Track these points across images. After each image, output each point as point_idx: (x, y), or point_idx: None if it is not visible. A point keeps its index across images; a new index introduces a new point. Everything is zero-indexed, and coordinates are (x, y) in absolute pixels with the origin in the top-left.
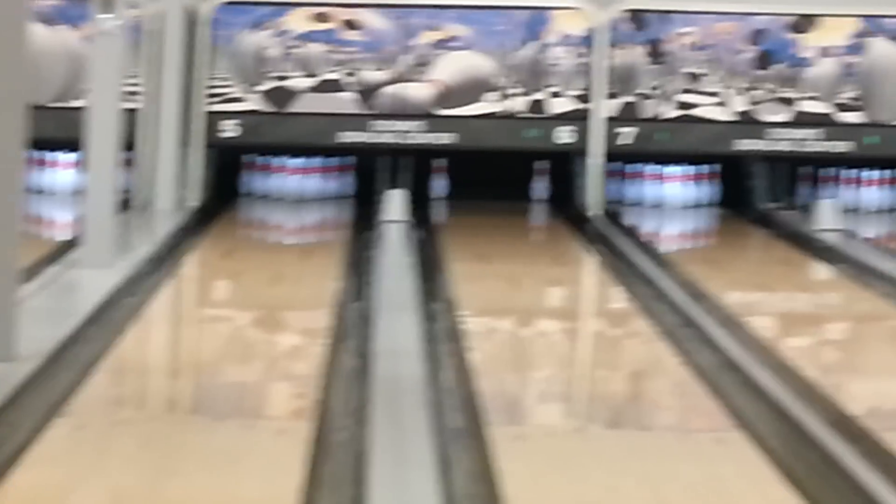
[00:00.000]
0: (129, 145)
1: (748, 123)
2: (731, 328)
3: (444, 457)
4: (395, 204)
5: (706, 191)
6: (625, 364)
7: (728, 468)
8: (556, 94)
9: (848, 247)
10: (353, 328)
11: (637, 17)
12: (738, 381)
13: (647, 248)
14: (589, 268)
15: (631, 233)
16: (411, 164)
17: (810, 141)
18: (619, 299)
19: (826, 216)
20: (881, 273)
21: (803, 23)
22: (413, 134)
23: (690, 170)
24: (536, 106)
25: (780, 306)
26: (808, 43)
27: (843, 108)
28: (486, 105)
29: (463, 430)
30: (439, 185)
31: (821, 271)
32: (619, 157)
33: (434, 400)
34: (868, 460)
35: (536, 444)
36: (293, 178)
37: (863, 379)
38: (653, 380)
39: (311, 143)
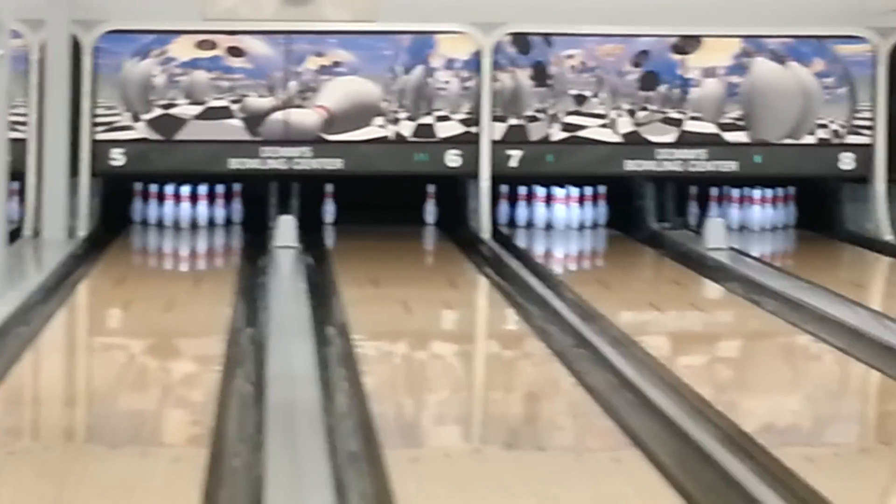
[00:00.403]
0: (18, 175)
1: (635, 144)
2: (623, 348)
3: (340, 481)
4: (284, 230)
5: (595, 212)
6: (519, 385)
7: (625, 487)
8: (443, 118)
9: (736, 265)
10: (246, 354)
11: (521, 40)
12: (633, 400)
13: (539, 269)
14: (481, 290)
15: (522, 255)
16: (299, 190)
17: (697, 161)
18: (511, 321)
19: (714, 235)
20: (770, 290)
21: (686, 44)
22: (300, 160)
23: (578, 191)
24: (424, 130)
25: (672, 325)
26: (692, 63)
27: (728, 127)
28: (374, 130)
29: (358, 454)
30: (329, 211)
31: (711, 290)
32: (508, 180)
33: (329, 424)
34: (763, 477)
35: (432, 467)
36: (182, 205)
37: (756, 396)
38: (548, 400)
39: (200, 171)
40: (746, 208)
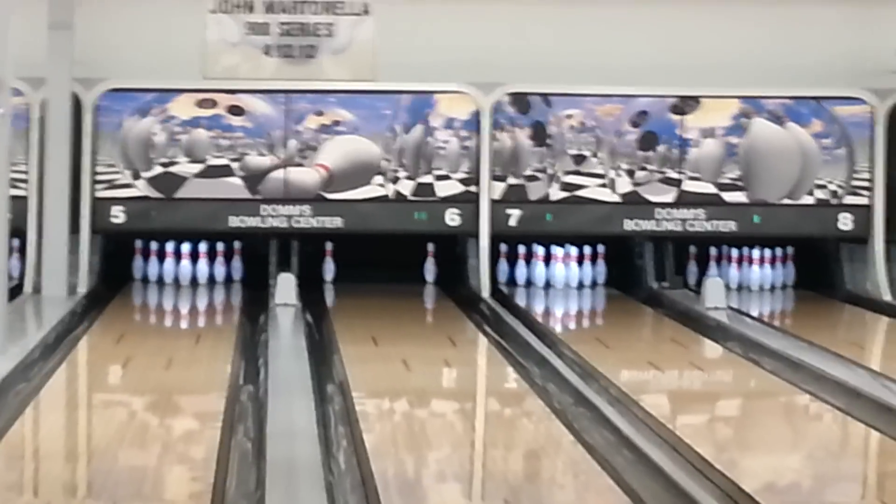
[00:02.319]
0: (19, 232)
1: (634, 204)
2: (623, 406)
3: None
4: (284, 287)
5: (594, 271)
6: (519, 443)
7: None
8: (442, 177)
9: (735, 324)
10: (246, 411)
11: (521, 100)
12: (632, 458)
13: (538, 328)
14: (481, 348)
15: (521, 313)
16: (299, 248)
17: (696, 220)
18: (511, 379)
19: (713, 294)
20: (769, 350)
21: (685, 104)
22: (300, 218)
23: (577, 250)
24: (424, 189)
25: (672, 384)
26: (691, 124)
27: (727, 187)
28: (374, 189)
29: None
30: (328, 269)
31: (710, 349)
32: (508, 239)
33: (329, 482)
34: None
35: None
36: (182, 262)
37: (756, 455)
38: (548, 458)
39: (200, 228)
40: (745, 268)
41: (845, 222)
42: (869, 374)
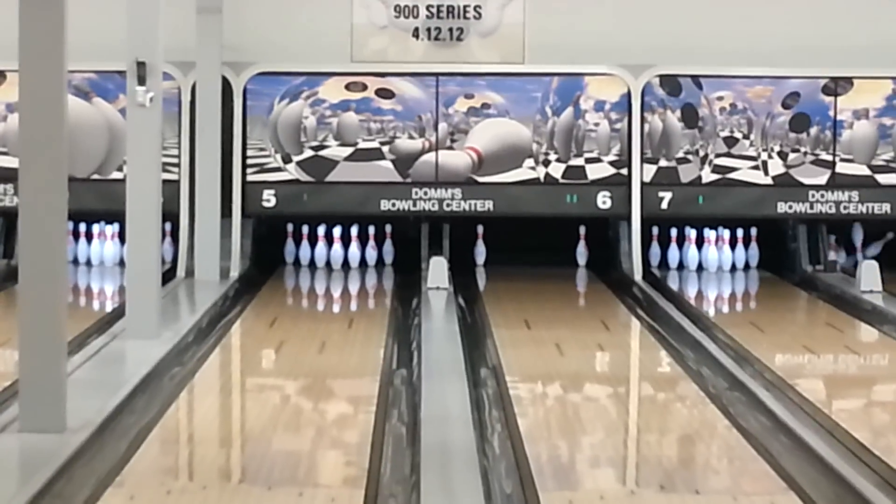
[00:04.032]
0: (171, 216)
1: (786, 186)
2: (778, 391)
3: None
4: (436, 271)
5: (747, 254)
6: (674, 428)
7: None
8: (593, 160)
9: (891, 308)
10: (400, 395)
11: (671, 81)
12: (789, 444)
13: (691, 311)
14: (634, 332)
15: (674, 297)
16: (450, 231)
17: (849, 203)
18: (664, 363)
19: (868, 277)
20: None
21: (837, 85)
22: (451, 201)
23: (729, 233)
24: (574, 172)
25: (827, 368)
26: (843, 105)
27: (881, 169)
28: (524, 172)
29: (513, 496)
30: (480, 252)
31: (866, 332)
32: (659, 222)
33: (483, 466)
34: None
35: None
36: (334, 246)
37: None
38: (702, 443)
39: (351, 212)
40: None
41: None
42: None
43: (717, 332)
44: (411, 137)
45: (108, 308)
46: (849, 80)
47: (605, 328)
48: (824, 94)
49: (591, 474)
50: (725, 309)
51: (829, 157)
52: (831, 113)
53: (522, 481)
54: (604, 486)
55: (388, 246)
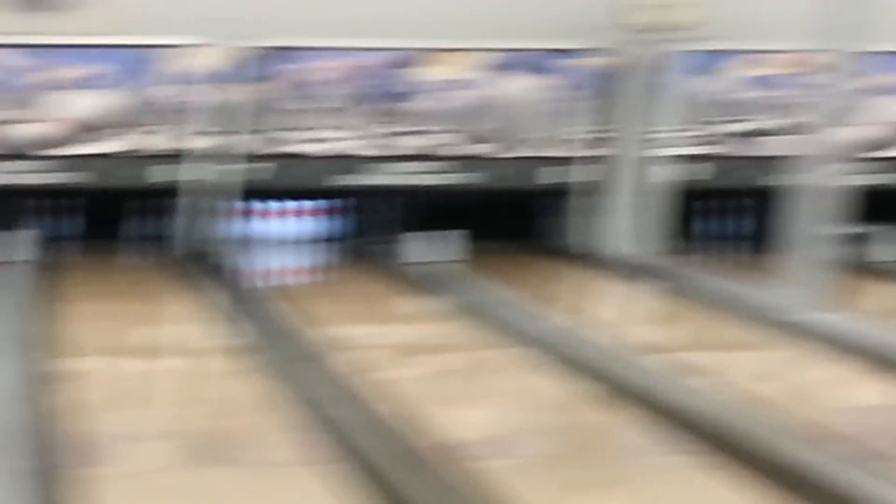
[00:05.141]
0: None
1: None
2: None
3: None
4: None
5: (325, 225)
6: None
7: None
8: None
9: None
10: None
11: (263, 52)
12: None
13: (247, 286)
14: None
15: (224, 271)
16: None
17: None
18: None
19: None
20: None
21: (427, 57)
22: None
23: (303, 205)
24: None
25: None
26: (435, 76)
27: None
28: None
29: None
30: None
31: None
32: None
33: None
34: None
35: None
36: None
37: None
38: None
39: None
40: None
41: None
42: None
43: (293, 303)
44: None
45: None
46: (442, 53)
47: (154, 303)
48: (411, 66)
49: (132, 450)
50: (305, 280)
51: (420, 129)
52: (420, 85)
53: (53, 457)
54: (144, 462)
55: None
